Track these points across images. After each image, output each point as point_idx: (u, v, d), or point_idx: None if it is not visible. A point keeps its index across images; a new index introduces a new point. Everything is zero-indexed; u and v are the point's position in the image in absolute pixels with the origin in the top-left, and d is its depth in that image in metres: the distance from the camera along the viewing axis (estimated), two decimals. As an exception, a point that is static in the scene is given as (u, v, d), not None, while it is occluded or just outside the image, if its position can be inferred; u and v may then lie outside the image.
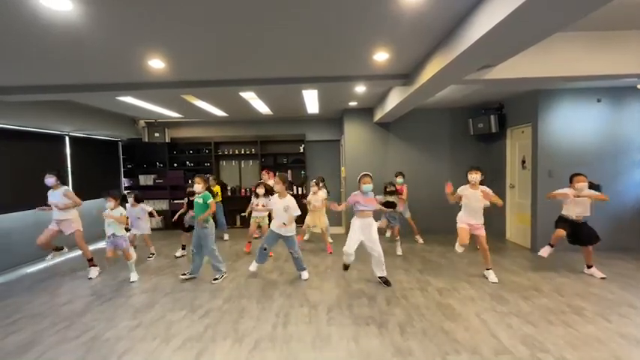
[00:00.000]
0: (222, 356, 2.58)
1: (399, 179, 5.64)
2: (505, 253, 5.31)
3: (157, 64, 3.43)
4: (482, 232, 4.07)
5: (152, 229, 7.78)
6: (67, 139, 6.13)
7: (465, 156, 6.63)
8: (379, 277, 4.00)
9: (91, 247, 6.16)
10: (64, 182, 4.40)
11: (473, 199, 4.03)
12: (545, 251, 4.21)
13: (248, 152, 7.98)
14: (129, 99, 5.14)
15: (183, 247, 5.47)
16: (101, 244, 4.28)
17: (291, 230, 4.14)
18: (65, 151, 6.11)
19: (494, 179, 6.33)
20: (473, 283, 3.96)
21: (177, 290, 3.95)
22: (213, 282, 4.16)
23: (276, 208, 4.17)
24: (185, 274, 4.32)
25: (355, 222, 3.96)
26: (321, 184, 5.64)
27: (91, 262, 4.52)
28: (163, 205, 7.86)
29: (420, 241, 5.95)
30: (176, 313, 3.33)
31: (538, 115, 5.21)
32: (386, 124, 6.73)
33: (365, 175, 3.91)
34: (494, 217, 6.42)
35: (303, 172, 7.92)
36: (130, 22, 2.51)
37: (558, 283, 3.91)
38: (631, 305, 3.30)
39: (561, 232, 4.07)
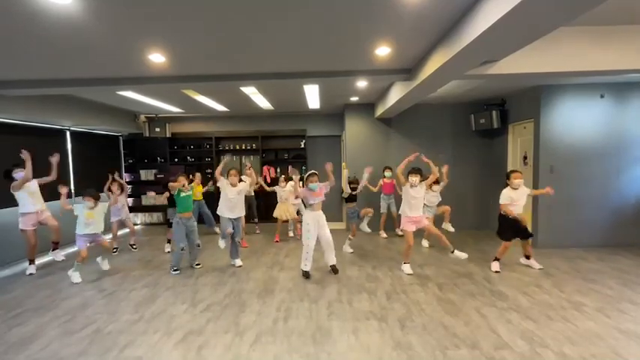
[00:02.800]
0: (223, 350, 2.60)
1: (387, 173, 5.80)
2: (505, 248, 5.30)
3: (157, 58, 3.42)
4: (425, 222, 4.23)
5: (151, 224, 7.88)
6: (67, 133, 6.13)
7: (466, 152, 6.61)
8: (331, 266, 4.22)
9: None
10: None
11: (412, 193, 4.14)
12: (496, 266, 4.28)
13: (249, 147, 7.98)
14: (130, 93, 5.13)
15: (169, 242, 5.52)
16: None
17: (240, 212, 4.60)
18: (66, 146, 6.11)
19: (496, 175, 6.32)
20: (473, 279, 3.97)
21: (179, 285, 3.97)
22: (196, 266, 4.55)
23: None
24: (177, 270, 4.36)
25: (308, 215, 4.14)
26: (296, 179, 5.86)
27: (56, 245, 4.70)
28: (164, 199, 7.85)
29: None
30: (177, 307, 3.36)
31: (540, 110, 5.17)
32: (387, 119, 6.70)
33: (312, 174, 4.16)
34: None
35: (303, 168, 7.91)
36: (130, 16, 2.49)
37: (558, 279, 3.92)
38: (631, 301, 3.31)
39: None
